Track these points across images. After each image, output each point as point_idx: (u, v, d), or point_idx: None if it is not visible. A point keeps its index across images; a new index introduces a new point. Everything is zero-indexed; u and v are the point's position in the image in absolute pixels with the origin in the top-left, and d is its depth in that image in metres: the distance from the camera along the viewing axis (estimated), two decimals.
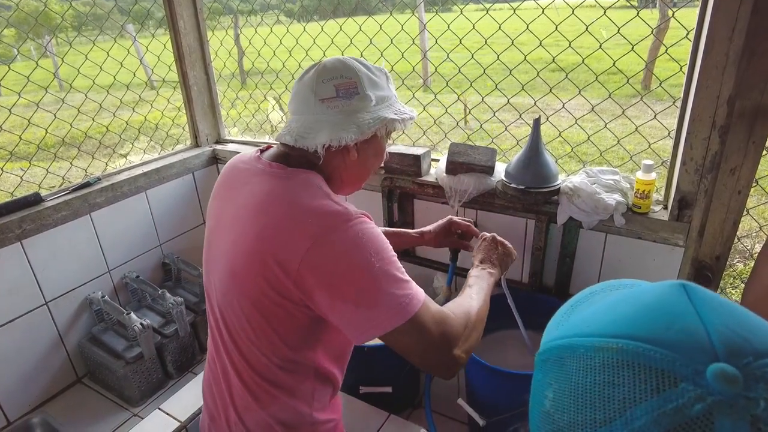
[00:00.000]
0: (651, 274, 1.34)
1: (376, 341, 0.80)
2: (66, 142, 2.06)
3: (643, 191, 1.25)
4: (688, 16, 1.22)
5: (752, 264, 0.95)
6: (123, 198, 1.84)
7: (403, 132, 0.95)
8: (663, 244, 1.29)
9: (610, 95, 1.56)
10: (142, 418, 1.51)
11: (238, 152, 1.56)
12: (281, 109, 3.26)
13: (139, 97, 2.11)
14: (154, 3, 2.05)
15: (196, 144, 2.19)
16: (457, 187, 1.46)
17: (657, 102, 5.33)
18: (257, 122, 2.37)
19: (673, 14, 1.27)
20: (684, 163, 1.17)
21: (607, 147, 2.35)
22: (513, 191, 1.37)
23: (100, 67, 1.87)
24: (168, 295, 1.80)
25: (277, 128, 3.25)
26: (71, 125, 1.87)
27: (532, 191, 1.34)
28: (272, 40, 2.02)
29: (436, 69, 1.78)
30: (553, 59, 1.46)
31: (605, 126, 1.55)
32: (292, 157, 0.88)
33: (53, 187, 1.81)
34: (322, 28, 1.93)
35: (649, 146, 1.43)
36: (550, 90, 1.50)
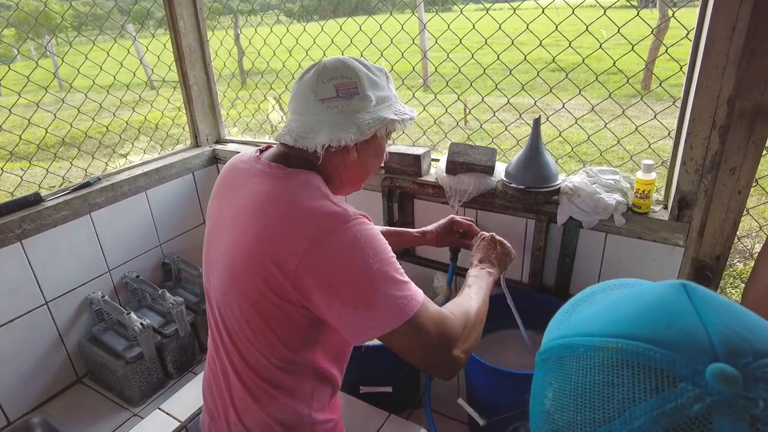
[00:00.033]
0: (651, 274, 1.34)
1: (376, 341, 0.80)
2: (66, 142, 2.06)
3: (643, 191, 1.25)
4: (688, 16, 1.22)
5: (752, 264, 0.95)
6: (123, 198, 1.84)
7: (403, 132, 0.95)
8: (663, 243, 1.29)
9: (610, 95, 1.56)
10: (143, 418, 1.51)
11: (238, 152, 1.57)
12: (281, 109, 3.26)
13: (139, 97, 2.11)
14: (154, 3, 2.05)
15: (196, 144, 2.19)
16: (457, 186, 1.46)
17: (657, 102, 5.33)
18: (257, 122, 2.37)
19: (673, 14, 1.28)
20: (684, 162, 1.17)
21: (607, 147, 2.35)
22: (513, 191, 1.37)
23: (100, 67, 1.87)
24: (168, 295, 1.80)
25: (277, 128, 3.25)
26: (71, 125, 1.87)
27: (532, 191, 1.34)
28: (272, 40, 2.02)
29: (436, 69, 1.78)
30: (553, 59, 1.46)
31: (605, 126, 1.55)
32: (291, 158, 0.88)
33: (53, 187, 1.81)
34: (322, 28, 1.93)
35: (649, 146, 1.43)
36: (550, 90, 1.50)
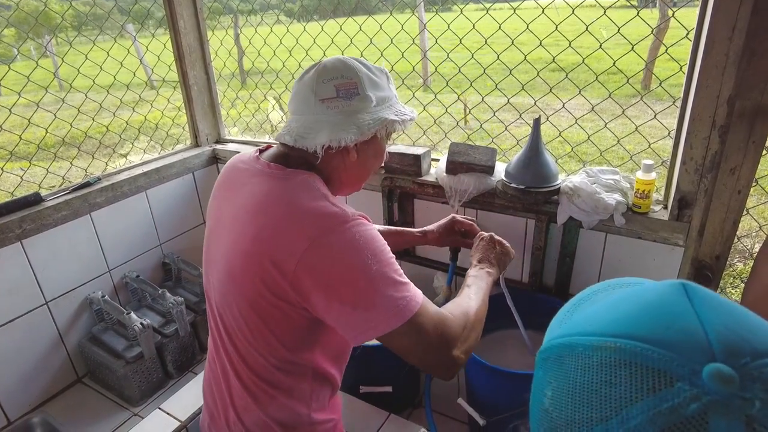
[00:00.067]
0: (651, 273, 1.34)
1: (376, 341, 0.80)
2: (66, 141, 2.06)
3: (643, 191, 1.25)
4: (688, 15, 1.22)
5: (752, 263, 0.95)
6: (123, 198, 1.84)
7: (403, 132, 0.95)
8: (663, 243, 1.29)
9: (610, 95, 1.56)
10: (143, 418, 1.51)
11: (238, 152, 1.57)
12: (281, 108, 3.26)
13: (139, 96, 2.11)
14: (154, 3, 2.05)
15: (196, 144, 2.19)
16: (458, 186, 1.46)
17: (657, 102, 5.33)
18: (257, 122, 2.37)
19: (673, 14, 1.28)
20: (684, 162, 1.17)
21: (607, 147, 2.35)
22: (513, 191, 1.37)
23: (100, 67, 1.87)
24: (168, 294, 1.80)
25: (277, 128, 3.25)
26: (71, 125, 1.87)
27: (532, 191, 1.34)
28: (272, 40, 2.02)
29: (436, 69, 1.78)
30: (553, 59, 1.46)
31: (605, 126, 1.55)
32: (291, 158, 0.88)
33: (53, 186, 1.81)
34: (322, 28, 1.93)
35: (649, 146, 1.43)
36: (550, 90, 1.50)
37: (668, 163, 1.28)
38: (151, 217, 1.98)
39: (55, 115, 1.81)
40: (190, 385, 1.58)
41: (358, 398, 1.54)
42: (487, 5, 1.67)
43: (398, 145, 1.68)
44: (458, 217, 1.36)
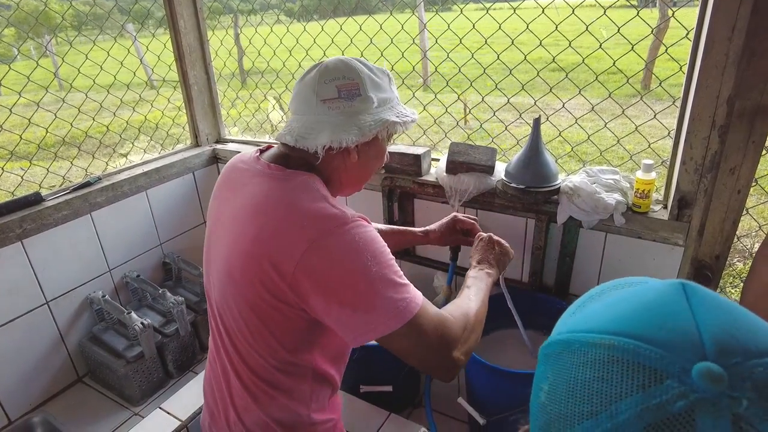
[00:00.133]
0: (651, 273, 1.34)
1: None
2: (66, 141, 2.06)
3: (643, 191, 1.25)
4: (688, 15, 1.23)
5: (751, 263, 0.95)
6: (123, 197, 1.85)
7: (404, 132, 0.95)
8: (663, 243, 1.29)
9: (610, 95, 1.56)
10: (143, 417, 1.51)
11: (239, 152, 1.57)
12: (281, 108, 3.26)
13: (140, 96, 2.11)
14: (155, 2, 2.06)
15: (197, 143, 2.20)
16: (458, 186, 1.46)
17: (657, 102, 5.33)
18: (257, 122, 2.37)
19: (672, 14, 1.28)
20: (684, 162, 1.18)
21: (607, 146, 2.35)
22: (513, 191, 1.37)
23: (101, 67, 1.87)
24: (168, 294, 1.80)
25: (277, 128, 3.25)
26: (71, 125, 1.87)
27: (532, 191, 1.34)
28: (272, 40, 2.03)
29: (436, 69, 1.78)
30: (553, 59, 1.46)
31: (605, 126, 1.55)
32: (291, 158, 0.88)
33: (54, 186, 1.81)
34: (322, 28, 1.93)
35: (649, 146, 1.43)
36: (550, 90, 1.50)
37: (668, 162, 1.28)
38: (152, 216, 1.98)
39: (55, 114, 1.81)
40: (191, 384, 1.58)
41: (359, 398, 1.54)
42: (487, 5, 1.67)
43: (398, 144, 1.68)
44: (460, 216, 1.36)
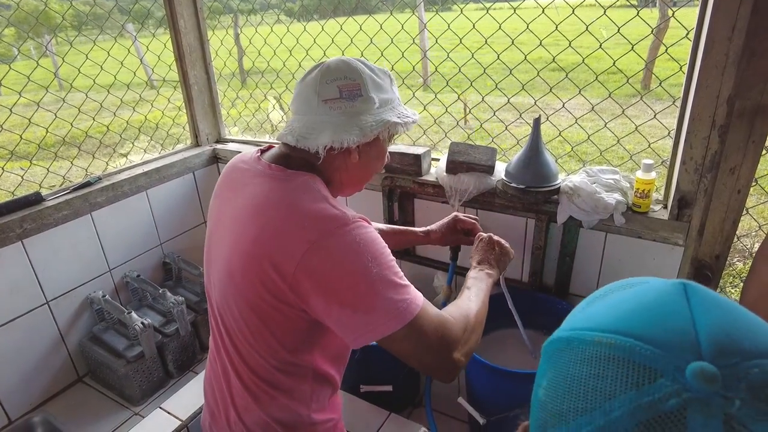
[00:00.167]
0: (651, 273, 1.34)
1: None
2: (66, 141, 2.07)
3: (643, 190, 1.26)
4: (688, 15, 1.23)
5: (751, 262, 0.95)
6: (123, 197, 1.85)
7: (405, 133, 0.96)
8: (663, 243, 1.29)
9: (610, 95, 1.56)
10: (143, 417, 1.51)
11: (239, 152, 1.57)
12: (281, 108, 3.26)
13: (140, 96, 2.11)
14: (155, 2, 2.06)
15: (197, 143, 2.20)
16: (458, 186, 1.46)
17: (657, 101, 5.33)
18: (257, 122, 2.37)
19: (673, 14, 1.28)
20: (684, 162, 1.18)
21: (607, 146, 2.35)
22: (513, 190, 1.37)
23: (101, 67, 1.87)
24: (169, 294, 1.80)
25: (277, 128, 3.25)
26: (72, 125, 1.88)
27: (532, 190, 1.34)
28: (272, 40, 2.03)
29: (436, 68, 1.78)
30: (554, 59, 1.46)
31: (605, 125, 1.55)
32: (292, 159, 0.88)
33: (54, 186, 1.81)
34: (322, 28, 1.93)
35: (649, 146, 1.43)
36: (550, 89, 1.50)
37: (668, 162, 1.28)
38: (152, 216, 1.98)
39: (55, 114, 1.81)
40: (191, 384, 1.58)
41: (359, 397, 1.54)
42: (487, 5, 1.67)
43: (398, 144, 1.68)
44: (460, 215, 1.36)
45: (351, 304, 0.76)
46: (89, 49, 1.88)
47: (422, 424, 1.44)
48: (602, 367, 0.33)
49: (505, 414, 1.25)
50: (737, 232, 1.17)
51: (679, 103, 1.21)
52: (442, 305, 1.37)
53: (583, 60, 1.47)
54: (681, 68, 1.24)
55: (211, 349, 0.99)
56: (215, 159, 2.18)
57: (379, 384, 1.57)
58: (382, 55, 1.69)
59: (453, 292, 1.43)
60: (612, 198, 1.28)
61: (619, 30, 1.30)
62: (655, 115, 1.41)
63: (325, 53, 1.69)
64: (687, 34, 1.18)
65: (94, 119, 1.98)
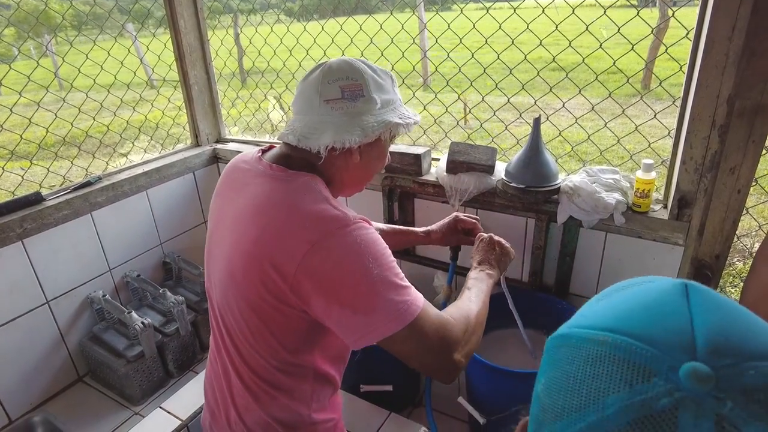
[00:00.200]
0: (650, 273, 1.34)
1: None
2: (67, 141, 2.07)
3: (643, 190, 1.26)
4: (688, 15, 1.23)
5: (751, 262, 0.95)
6: (124, 197, 1.85)
7: (406, 133, 0.96)
8: (663, 243, 1.29)
9: (610, 94, 1.56)
10: (144, 417, 1.52)
11: (239, 152, 1.57)
12: (281, 108, 3.26)
13: (140, 96, 2.11)
14: (155, 2, 2.06)
15: (197, 143, 2.20)
16: (458, 186, 1.46)
17: (657, 101, 5.33)
18: (258, 121, 2.37)
19: (673, 14, 1.28)
20: (684, 162, 1.18)
21: (607, 146, 2.35)
22: (513, 190, 1.37)
23: (101, 67, 1.87)
24: (169, 294, 1.80)
25: (277, 128, 3.25)
26: (72, 124, 1.88)
27: (533, 190, 1.35)
28: (273, 40, 2.03)
29: (436, 68, 1.78)
30: (554, 59, 1.46)
31: (605, 125, 1.55)
32: (293, 159, 0.88)
33: (54, 186, 1.81)
34: (322, 28, 1.93)
35: (649, 145, 1.43)
36: (551, 89, 1.50)
37: (668, 162, 1.28)
38: (152, 216, 1.98)
39: (55, 114, 1.81)
40: (191, 384, 1.58)
41: (359, 397, 1.55)
42: (487, 5, 1.67)
43: (399, 144, 1.68)
44: (461, 215, 1.36)
45: (351, 305, 0.76)
46: (89, 49, 1.88)
47: (422, 423, 1.44)
48: (598, 365, 0.34)
49: (505, 414, 1.25)
50: (737, 232, 1.17)
51: (679, 103, 1.21)
52: (442, 305, 1.37)
53: (583, 60, 1.47)
54: (681, 68, 1.24)
55: (212, 348, 0.99)
56: (215, 159, 2.18)
57: (379, 384, 1.57)
58: (382, 54, 1.69)
59: (453, 291, 1.43)
60: (612, 198, 1.28)
61: (619, 30, 1.30)
62: (655, 115, 1.41)
63: (325, 53, 1.69)
64: (687, 34, 1.18)
65: (94, 119, 1.98)
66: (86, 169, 1.99)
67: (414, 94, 2.02)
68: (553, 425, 0.35)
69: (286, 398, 0.90)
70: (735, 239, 1.18)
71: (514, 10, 1.51)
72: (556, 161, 1.39)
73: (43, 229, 1.62)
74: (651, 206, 1.30)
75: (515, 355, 1.45)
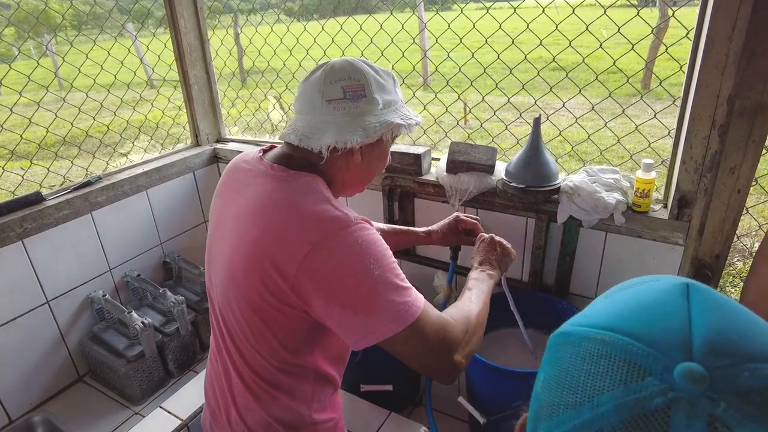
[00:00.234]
0: (650, 272, 1.34)
1: None
2: (67, 141, 2.07)
3: (643, 190, 1.26)
4: (688, 15, 1.23)
5: (751, 262, 0.95)
6: (124, 197, 1.85)
7: (407, 134, 0.96)
8: (663, 242, 1.29)
9: (610, 94, 1.56)
10: (144, 417, 1.52)
11: (239, 151, 1.57)
12: (282, 108, 3.26)
13: (140, 96, 2.11)
14: (155, 2, 2.06)
15: (197, 143, 2.20)
16: (458, 186, 1.46)
17: (657, 101, 5.33)
18: (258, 121, 2.37)
19: (673, 13, 1.28)
20: (684, 162, 1.18)
21: (607, 146, 2.36)
22: (513, 190, 1.37)
23: (101, 66, 1.87)
24: (169, 293, 1.80)
25: (277, 127, 3.25)
26: (72, 124, 1.88)
27: (533, 190, 1.35)
28: (273, 39, 2.03)
29: (436, 68, 1.78)
30: (554, 58, 1.46)
31: (605, 125, 1.55)
32: (294, 159, 0.88)
33: (54, 186, 1.81)
34: (322, 27, 1.93)
35: (649, 145, 1.43)
36: (551, 89, 1.50)
37: (668, 162, 1.28)
38: (152, 216, 1.98)
39: (55, 114, 1.81)
40: (191, 383, 1.58)
41: (359, 397, 1.55)
42: (488, 5, 1.67)
43: (399, 144, 1.68)
44: (462, 216, 1.36)
45: (352, 306, 0.76)
46: (89, 48, 1.88)
47: (422, 423, 1.44)
48: (594, 363, 0.34)
49: (505, 413, 1.25)
50: (737, 232, 1.17)
51: (679, 103, 1.21)
52: (442, 305, 1.37)
53: (583, 59, 1.47)
54: (681, 68, 1.24)
55: (212, 348, 0.99)
56: (215, 159, 2.18)
57: (380, 383, 1.57)
58: (382, 54, 1.69)
59: (453, 291, 1.43)
60: (612, 197, 1.28)
61: (619, 30, 1.30)
62: (655, 115, 1.41)
63: (325, 53, 1.69)
64: (687, 33, 1.18)
65: (94, 119, 1.99)
66: (86, 169, 1.99)
67: (414, 93, 2.02)
68: (550, 421, 0.35)
69: (286, 398, 0.90)
70: (735, 239, 1.18)
71: (514, 10, 1.51)
72: (556, 161, 1.39)
73: (43, 229, 1.62)
74: (651, 206, 1.30)
75: (516, 355, 1.45)
